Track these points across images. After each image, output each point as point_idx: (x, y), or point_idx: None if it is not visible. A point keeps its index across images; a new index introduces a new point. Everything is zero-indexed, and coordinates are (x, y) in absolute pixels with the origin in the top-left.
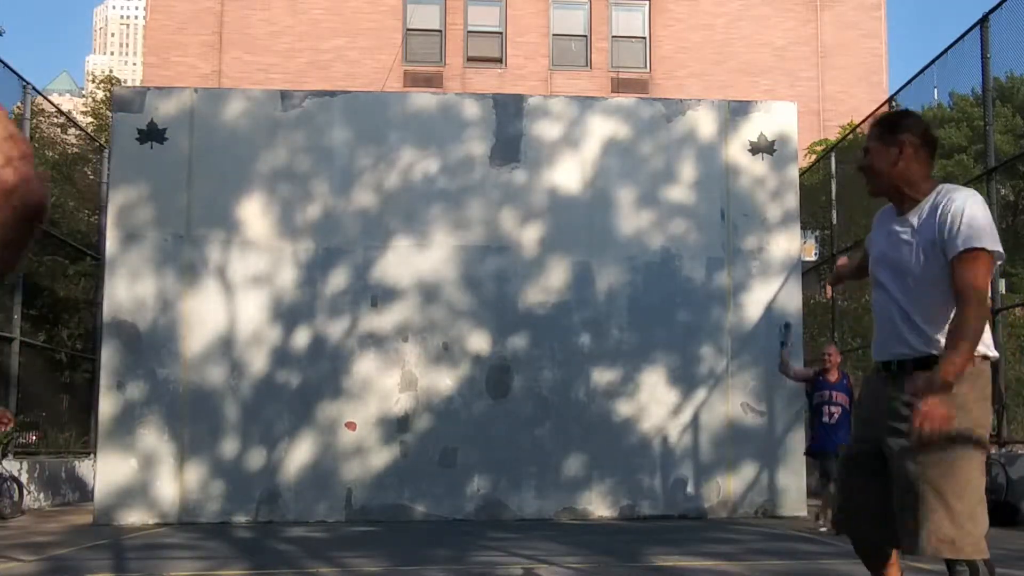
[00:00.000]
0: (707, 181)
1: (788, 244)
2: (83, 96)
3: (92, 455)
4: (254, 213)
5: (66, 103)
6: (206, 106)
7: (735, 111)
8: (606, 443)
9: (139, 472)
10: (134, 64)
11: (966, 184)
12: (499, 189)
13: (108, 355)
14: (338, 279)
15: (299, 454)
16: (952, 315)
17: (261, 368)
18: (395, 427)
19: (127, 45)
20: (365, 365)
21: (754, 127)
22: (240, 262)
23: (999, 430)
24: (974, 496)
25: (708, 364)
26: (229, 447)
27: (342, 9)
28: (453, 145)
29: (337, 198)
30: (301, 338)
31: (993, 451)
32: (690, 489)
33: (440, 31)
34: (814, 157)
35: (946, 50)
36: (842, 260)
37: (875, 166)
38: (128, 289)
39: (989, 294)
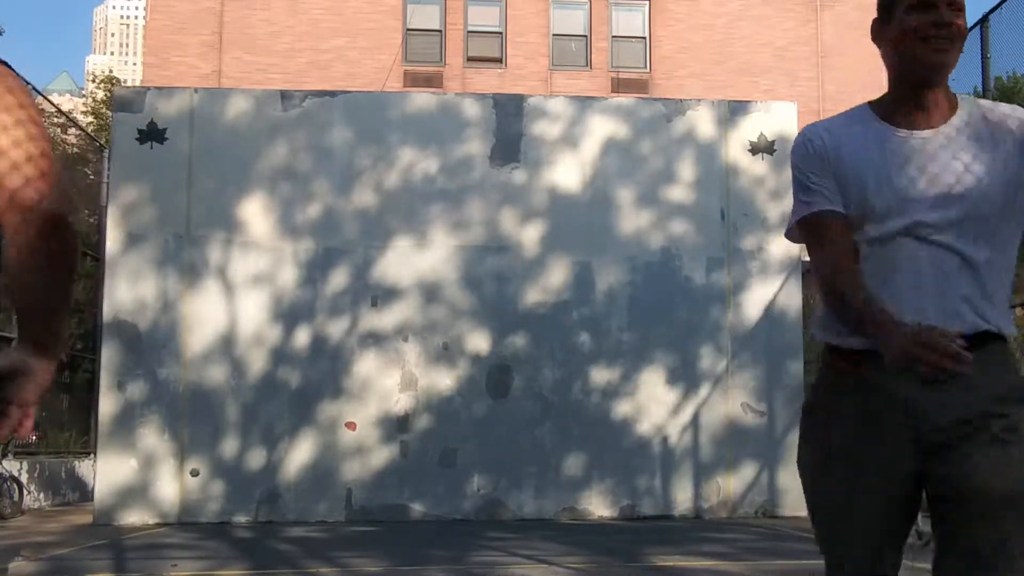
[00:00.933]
0: (707, 181)
1: (788, 244)
2: (83, 96)
3: (92, 455)
4: (254, 213)
5: (66, 103)
6: (206, 106)
7: (735, 111)
8: (606, 443)
9: (139, 472)
10: (134, 64)
11: None
12: (499, 189)
13: (108, 355)
14: (338, 279)
15: (299, 454)
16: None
17: (261, 368)
18: (395, 427)
19: (127, 45)
20: (365, 365)
21: (754, 127)
22: (240, 262)
23: None
24: None
25: (708, 364)
26: (229, 447)
27: (342, 9)
28: (453, 145)
29: (337, 198)
30: (301, 338)
31: None
32: (690, 489)
33: (440, 31)
34: None
35: None
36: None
37: (964, 29)
38: (128, 289)
39: None
